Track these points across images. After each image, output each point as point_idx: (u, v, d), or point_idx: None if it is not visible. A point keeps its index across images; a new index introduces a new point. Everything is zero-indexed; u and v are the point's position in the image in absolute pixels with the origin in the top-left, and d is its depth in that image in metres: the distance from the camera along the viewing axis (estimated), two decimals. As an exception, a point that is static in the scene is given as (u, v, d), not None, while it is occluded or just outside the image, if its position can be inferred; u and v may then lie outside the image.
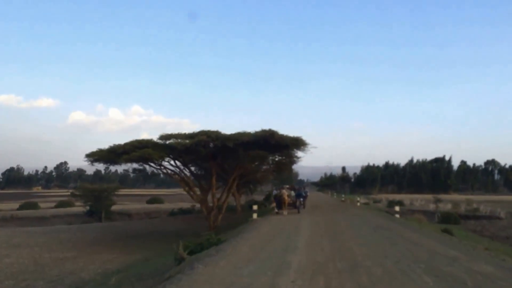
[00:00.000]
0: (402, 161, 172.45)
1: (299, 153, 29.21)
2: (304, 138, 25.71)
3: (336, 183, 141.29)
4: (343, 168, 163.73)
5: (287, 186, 28.03)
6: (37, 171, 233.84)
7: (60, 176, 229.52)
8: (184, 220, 39.55)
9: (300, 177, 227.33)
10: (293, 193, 25.02)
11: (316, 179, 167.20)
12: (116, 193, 45.54)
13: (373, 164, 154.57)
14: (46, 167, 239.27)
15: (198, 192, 28.32)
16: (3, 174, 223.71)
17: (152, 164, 25.29)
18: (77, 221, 47.98)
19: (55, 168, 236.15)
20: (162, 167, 25.77)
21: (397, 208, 21.12)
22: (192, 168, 33.64)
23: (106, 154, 23.90)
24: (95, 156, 24.44)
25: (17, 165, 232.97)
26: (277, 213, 23.36)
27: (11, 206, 67.86)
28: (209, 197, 27.78)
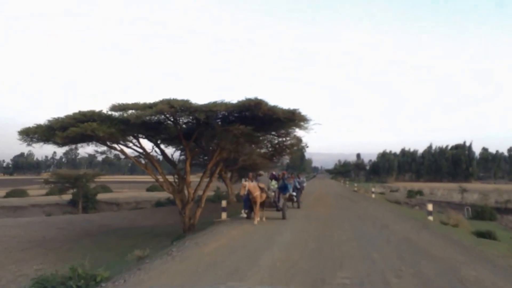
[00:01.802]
0: (420, 147, 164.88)
1: (299, 133, 23.17)
2: (302, 111, 19.81)
3: (350, 170, 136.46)
4: (358, 155, 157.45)
5: (260, 173, 16.13)
6: (46, 156, 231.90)
7: (70, 162, 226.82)
8: (170, 212, 34.30)
9: (314, 164, 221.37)
10: (274, 184, 15.76)
11: (331, 166, 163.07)
12: (97, 179, 40.30)
13: (390, 151, 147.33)
14: (55, 153, 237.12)
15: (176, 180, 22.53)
16: (12, 160, 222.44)
17: (103, 143, 19.52)
18: (58, 211, 43.15)
19: (64, 153, 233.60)
20: (119, 148, 19.98)
21: (429, 207, 14.71)
22: (176, 153, 28.00)
23: (45, 131, 18.21)
24: (31, 134, 18.76)
25: (28, 151, 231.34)
26: (247, 218, 14.32)
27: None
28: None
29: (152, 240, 19.71)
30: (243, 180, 13.80)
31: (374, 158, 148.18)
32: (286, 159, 40.19)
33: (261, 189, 13.53)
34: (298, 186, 19.57)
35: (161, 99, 17.61)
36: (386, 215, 15.84)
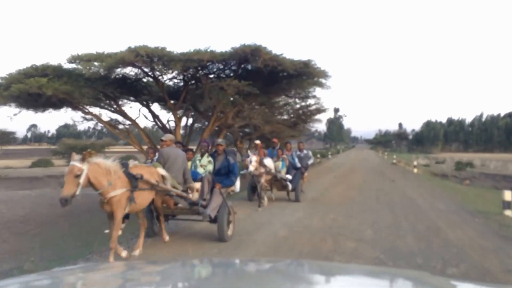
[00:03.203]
0: (468, 116, 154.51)
1: (317, 92, 18.43)
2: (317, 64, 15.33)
3: (391, 140, 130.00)
4: (400, 124, 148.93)
5: (164, 141, 6.97)
6: (89, 127, 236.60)
7: (111, 132, 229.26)
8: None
9: (354, 133, 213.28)
10: (206, 165, 7.47)
11: (371, 136, 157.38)
12: (106, 150, 37.33)
13: (435, 120, 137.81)
14: (97, 123, 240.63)
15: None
16: (56, 130, 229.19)
17: (71, 107, 15.61)
18: (74, 182, 41.00)
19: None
20: (87, 111, 16.05)
21: (507, 195, 9.38)
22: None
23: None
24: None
25: (73, 121, 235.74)
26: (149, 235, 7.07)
27: (26, 163, 63.04)
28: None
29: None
30: (73, 156, 5.06)
31: (417, 128, 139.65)
32: (313, 127, 35.12)
33: (132, 180, 5.63)
34: (298, 165, 12.02)
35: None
36: (434, 204, 11.02)
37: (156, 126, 20.43)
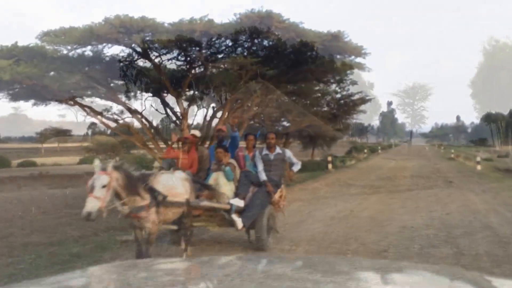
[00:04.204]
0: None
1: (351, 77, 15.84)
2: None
3: (448, 134, 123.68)
4: (457, 117, 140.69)
5: None
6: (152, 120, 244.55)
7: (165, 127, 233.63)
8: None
9: (407, 128, 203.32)
10: None
11: (427, 129, 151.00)
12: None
13: (495, 112, 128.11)
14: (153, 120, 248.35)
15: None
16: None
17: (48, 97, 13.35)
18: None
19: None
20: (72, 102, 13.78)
21: None
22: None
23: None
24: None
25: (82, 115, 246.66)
26: None
27: (76, 159, 63.95)
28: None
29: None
30: None
31: (476, 120, 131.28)
32: (356, 120, 31.48)
33: None
34: (262, 177, 6.00)
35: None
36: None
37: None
